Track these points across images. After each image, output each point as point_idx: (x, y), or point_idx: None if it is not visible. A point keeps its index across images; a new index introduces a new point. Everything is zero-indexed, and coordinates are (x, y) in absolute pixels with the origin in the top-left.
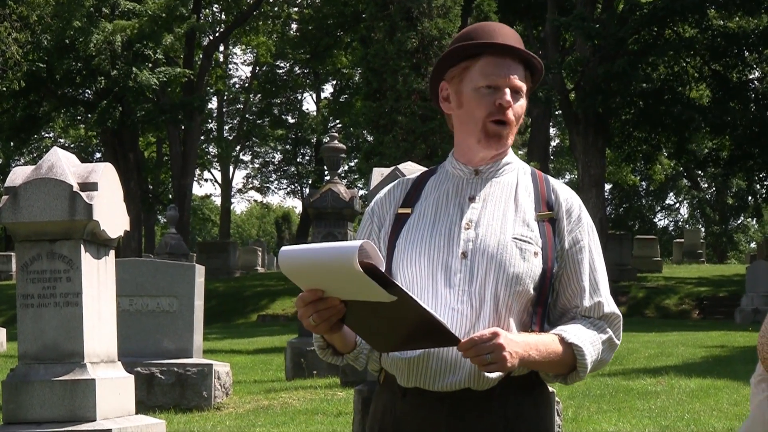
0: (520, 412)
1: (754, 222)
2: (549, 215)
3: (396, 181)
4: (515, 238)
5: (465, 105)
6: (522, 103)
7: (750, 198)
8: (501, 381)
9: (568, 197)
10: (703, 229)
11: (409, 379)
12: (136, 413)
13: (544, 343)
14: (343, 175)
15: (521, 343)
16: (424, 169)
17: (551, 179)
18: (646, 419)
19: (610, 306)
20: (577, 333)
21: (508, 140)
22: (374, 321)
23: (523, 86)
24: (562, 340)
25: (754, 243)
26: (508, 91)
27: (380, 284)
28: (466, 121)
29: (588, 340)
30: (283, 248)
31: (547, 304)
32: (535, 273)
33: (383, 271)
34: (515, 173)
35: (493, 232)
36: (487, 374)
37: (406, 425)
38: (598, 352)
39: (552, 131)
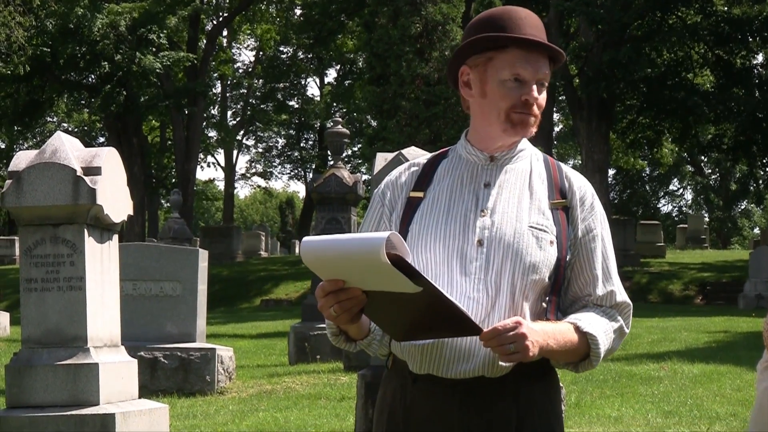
0: (532, 398)
1: (759, 207)
2: (563, 203)
3: (406, 164)
4: (531, 227)
5: (489, 95)
6: (545, 96)
7: (753, 183)
8: (513, 368)
9: (581, 185)
10: (706, 215)
11: (421, 366)
12: (139, 397)
13: (561, 332)
14: (346, 159)
15: (540, 332)
16: (428, 153)
17: (563, 166)
18: (649, 404)
19: (622, 295)
20: (591, 322)
21: (534, 128)
22: (394, 311)
23: (547, 80)
24: (577, 329)
25: (758, 228)
26: (535, 87)
27: (406, 275)
28: (488, 111)
29: (601, 329)
30: (306, 238)
31: (560, 293)
32: (550, 262)
33: (409, 261)
34: (528, 160)
35: (509, 220)
36: (501, 363)
37: (418, 412)
38: (610, 341)
39: (556, 116)
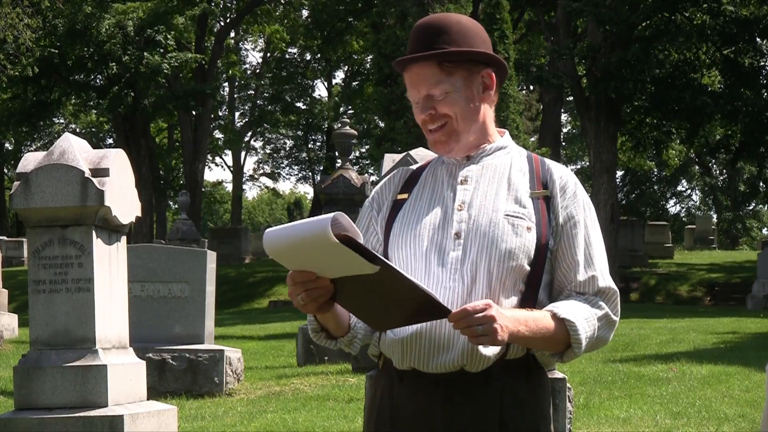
0: (517, 396)
1: (767, 208)
2: (544, 193)
3: (397, 170)
4: (507, 215)
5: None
6: (451, 97)
7: (762, 184)
8: (497, 363)
9: (562, 174)
10: (714, 216)
11: (403, 361)
12: (148, 399)
13: (534, 318)
14: (354, 160)
15: (511, 318)
16: (436, 155)
17: (547, 160)
18: (658, 405)
19: (605, 280)
20: (569, 308)
21: (453, 137)
22: (366, 298)
23: (438, 88)
24: (554, 316)
25: (766, 229)
26: (424, 105)
27: (360, 255)
28: None
29: (582, 316)
30: (268, 230)
31: (541, 281)
32: (528, 248)
33: (361, 242)
34: (509, 156)
35: (485, 212)
36: (481, 353)
37: (403, 409)
38: (593, 329)
39: (564, 117)
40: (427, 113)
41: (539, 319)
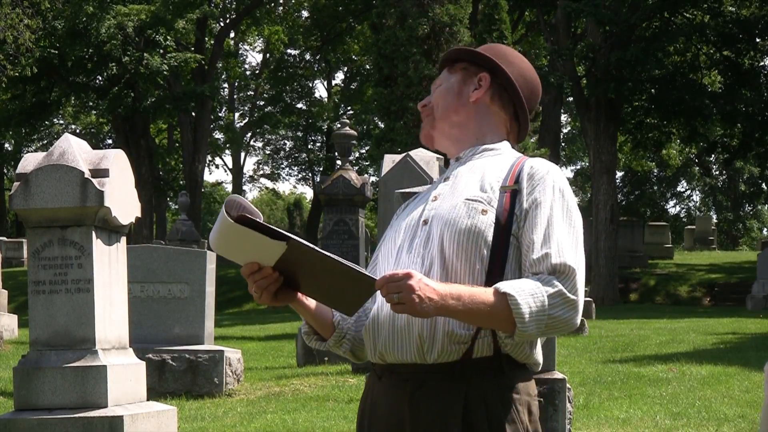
0: (481, 396)
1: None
2: (513, 187)
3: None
4: (467, 199)
5: None
6: (442, 87)
7: (762, 184)
8: (461, 362)
9: (534, 165)
10: (714, 216)
11: (372, 353)
12: (148, 400)
13: (471, 293)
14: (354, 161)
15: (438, 290)
16: (435, 155)
17: (533, 159)
18: (657, 406)
19: (561, 257)
20: (513, 284)
21: (430, 125)
22: (315, 282)
23: (438, 80)
24: (496, 291)
25: (767, 230)
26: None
27: (263, 233)
28: None
29: (527, 291)
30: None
31: (504, 267)
32: (483, 230)
33: (261, 221)
34: (497, 158)
35: (450, 199)
36: (435, 342)
37: (378, 407)
38: (541, 305)
39: (563, 118)
40: (421, 103)
41: (477, 294)
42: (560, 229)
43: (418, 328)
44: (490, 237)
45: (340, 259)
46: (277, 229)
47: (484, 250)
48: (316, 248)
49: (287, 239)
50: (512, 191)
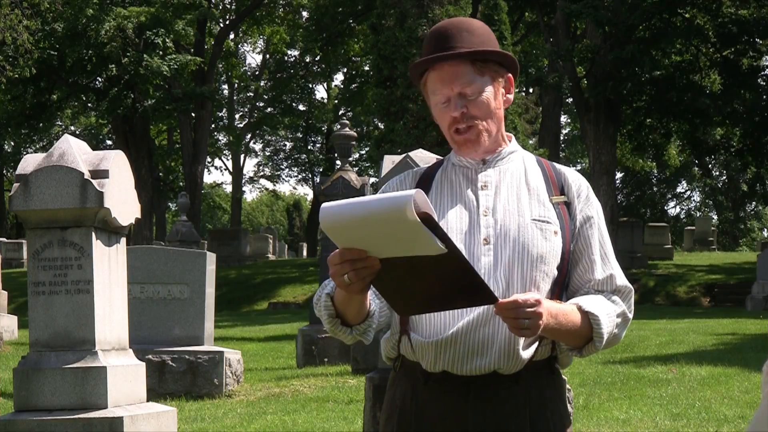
0: (543, 395)
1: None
2: (563, 199)
3: (405, 172)
4: (534, 220)
5: (435, 117)
6: (482, 98)
7: (758, 186)
8: (527, 365)
9: (575, 179)
10: (714, 217)
11: (436, 364)
12: (147, 401)
13: (564, 312)
14: (353, 162)
15: (548, 312)
16: (436, 156)
17: (556, 164)
18: (657, 407)
19: (622, 279)
20: (593, 303)
21: (482, 137)
22: (407, 280)
23: (471, 86)
24: (580, 309)
25: (767, 230)
26: (457, 102)
27: (434, 234)
28: (443, 130)
29: (604, 311)
30: (325, 204)
31: (564, 284)
32: (556, 252)
33: (438, 222)
34: (520, 161)
35: (512, 216)
36: (518, 357)
37: (431, 411)
38: (614, 325)
39: (563, 119)
40: (460, 111)
41: (568, 312)
42: (610, 247)
43: (498, 345)
44: (560, 257)
45: (475, 270)
46: (442, 229)
47: (556, 272)
48: (464, 256)
49: (449, 245)
50: (564, 203)
